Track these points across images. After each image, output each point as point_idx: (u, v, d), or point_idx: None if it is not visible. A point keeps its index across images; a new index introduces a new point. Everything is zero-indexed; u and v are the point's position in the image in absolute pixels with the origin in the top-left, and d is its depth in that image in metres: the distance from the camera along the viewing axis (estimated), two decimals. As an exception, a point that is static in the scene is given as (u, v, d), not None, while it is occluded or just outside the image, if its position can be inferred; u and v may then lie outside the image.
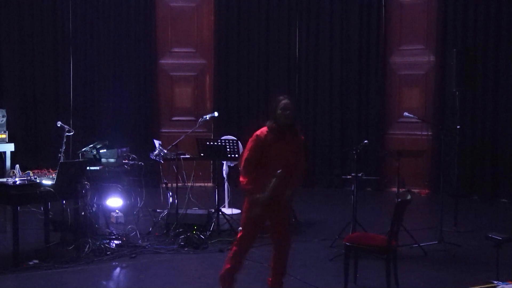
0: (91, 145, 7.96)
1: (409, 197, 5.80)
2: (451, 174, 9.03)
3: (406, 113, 8.37)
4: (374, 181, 10.99)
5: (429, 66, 11.55)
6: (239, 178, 5.35)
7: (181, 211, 7.95)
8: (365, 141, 7.52)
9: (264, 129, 5.40)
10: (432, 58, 11.45)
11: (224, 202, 9.25)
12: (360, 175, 7.44)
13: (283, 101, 5.37)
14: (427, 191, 11.31)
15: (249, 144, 5.42)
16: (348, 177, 7.58)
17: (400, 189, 7.59)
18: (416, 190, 10.99)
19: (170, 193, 8.37)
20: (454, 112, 8.99)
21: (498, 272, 5.96)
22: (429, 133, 11.28)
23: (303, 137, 5.57)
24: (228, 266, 5.52)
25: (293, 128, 5.42)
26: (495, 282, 5.94)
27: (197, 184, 9.35)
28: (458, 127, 8.69)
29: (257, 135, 5.38)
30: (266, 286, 5.61)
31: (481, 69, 10.58)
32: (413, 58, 11.70)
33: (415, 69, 11.73)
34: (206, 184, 11.53)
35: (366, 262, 6.38)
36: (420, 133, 11.33)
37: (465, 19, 10.97)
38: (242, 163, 5.42)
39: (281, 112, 5.33)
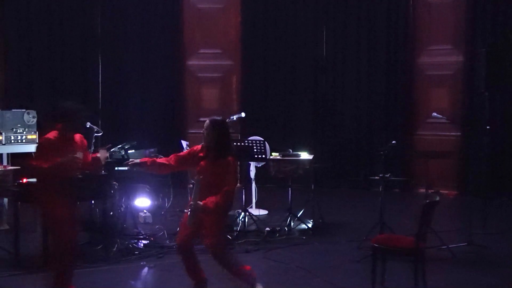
0: (120, 146, 8.00)
1: (437, 198, 5.75)
2: (481, 175, 8.91)
3: (434, 114, 8.30)
4: (402, 182, 10.88)
5: (457, 66, 11.41)
6: None
7: (208, 212, 7.97)
8: (393, 142, 7.47)
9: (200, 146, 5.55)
10: (460, 58, 11.31)
11: (251, 203, 9.27)
12: (387, 176, 7.40)
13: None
14: (455, 192, 11.19)
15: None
16: (376, 178, 7.54)
17: (428, 190, 7.51)
18: (444, 192, 10.88)
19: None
20: (483, 113, 8.88)
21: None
22: (458, 134, 11.16)
23: (231, 159, 5.43)
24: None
25: (219, 149, 5.39)
26: (525, 285, 5.87)
27: (224, 185, 9.35)
28: (488, 127, 8.58)
29: (193, 149, 5.65)
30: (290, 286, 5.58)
31: (511, 69, 10.43)
32: (441, 58, 11.56)
33: (444, 69, 11.59)
34: (233, 184, 11.53)
35: (394, 264, 6.33)
36: (448, 133, 11.20)
37: (494, 18, 10.83)
38: None
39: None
